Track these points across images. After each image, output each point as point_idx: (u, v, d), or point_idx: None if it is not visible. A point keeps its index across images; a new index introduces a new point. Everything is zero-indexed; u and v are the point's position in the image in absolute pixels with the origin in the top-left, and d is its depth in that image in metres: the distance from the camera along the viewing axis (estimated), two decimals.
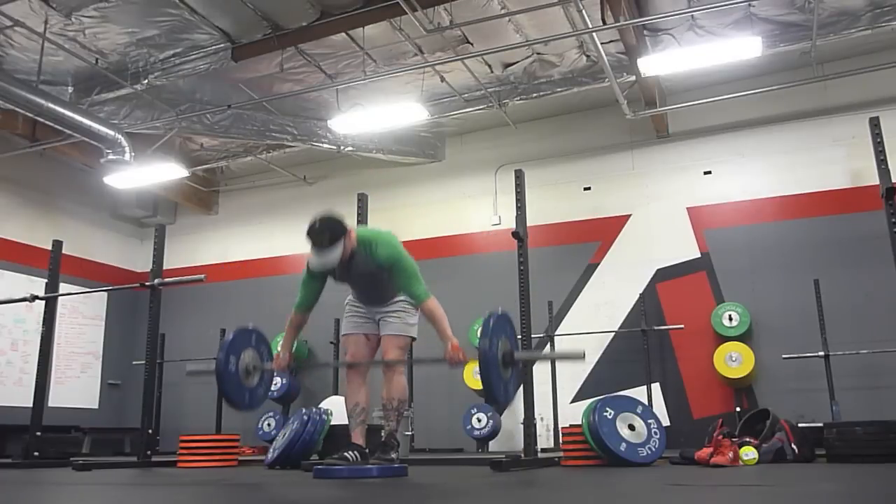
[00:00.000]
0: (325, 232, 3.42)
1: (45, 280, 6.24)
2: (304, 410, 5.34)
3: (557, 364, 8.08)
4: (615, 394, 5.22)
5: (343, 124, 8.06)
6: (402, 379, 3.76)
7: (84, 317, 10.19)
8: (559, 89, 7.85)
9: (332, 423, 5.24)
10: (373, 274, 3.63)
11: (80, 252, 9.82)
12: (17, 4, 6.29)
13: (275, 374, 3.80)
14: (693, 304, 7.93)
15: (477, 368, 8.38)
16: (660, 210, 8.39)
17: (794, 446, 4.76)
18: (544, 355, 3.89)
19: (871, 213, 6.46)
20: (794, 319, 7.34)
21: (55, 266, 6.23)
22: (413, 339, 3.83)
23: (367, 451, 3.64)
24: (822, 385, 6.73)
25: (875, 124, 5.10)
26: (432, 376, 8.56)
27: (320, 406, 5.69)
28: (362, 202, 5.54)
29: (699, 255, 8.11)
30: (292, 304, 3.82)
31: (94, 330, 10.33)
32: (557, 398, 7.93)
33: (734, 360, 7.39)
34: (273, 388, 9.01)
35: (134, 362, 9.38)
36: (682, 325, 7.81)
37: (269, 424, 8.87)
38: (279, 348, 3.75)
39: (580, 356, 3.45)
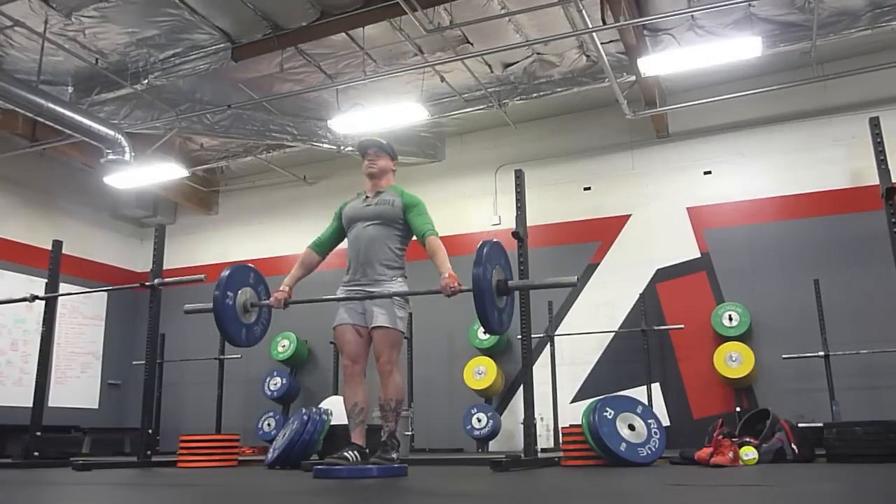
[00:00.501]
0: (384, 139, 4.03)
1: (45, 280, 6.24)
2: (304, 410, 5.35)
3: (557, 365, 8.09)
4: (615, 394, 5.22)
5: (343, 124, 8.05)
6: (398, 378, 3.75)
7: (84, 317, 10.19)
8: (559, 89, 7.85)
9: (332, 423, 5.24)
10: (390, 215, 3.79)
11: (80, 252, 9.82)
12: (17, 4, 6.29)
13: (271, 309, 3.90)
14: (693, 304, 7.93)
15: (477, 372, 8.30)
16: (660, 210, 8.39)
17: (794, 446, 4.76)
18: (537, 284, 3.98)
19: (871, 213, 6.47)
20: (794, 319, 7.34)
21: (55, 266, 6.23)
22: (403, 333, 3.82)
23: (367, 451, 3.64)
24: (822, 385, 6.73)
25: (875, 124, 5.10)
26: (432, 376, 8.57)
27: (320, 406, 5.69)
28: None
29: (699, 255, 8.11)
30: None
31: (94, 330, 10.33)
32: (557, 398, 7.93)
33: (734, 360, 7.38)
34: (273, 388, 9.05)
35: (134, 362, 9.38)
36: (682, 325, 7.80)
37: (269, 424, 8.87)
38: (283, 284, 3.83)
39: (573, 283, 3.54)
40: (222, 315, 3.61)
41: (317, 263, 3.98)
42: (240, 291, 3.70)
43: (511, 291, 3.53)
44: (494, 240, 3.51)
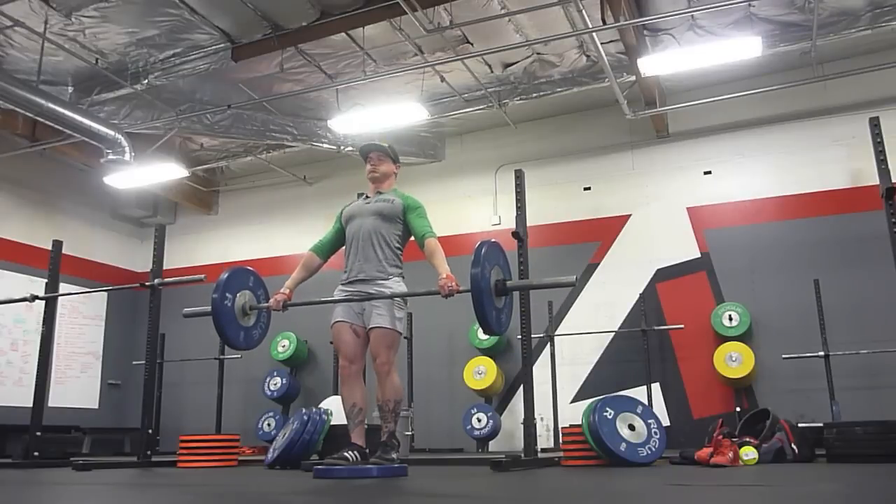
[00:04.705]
0: (387, 143, 4.05)
1: (45, 280, 6.23)
2: (304, 410, 5.35)
3: (557, 365, 8.08)
4: (615, 394, 5.22)
5: (343, 124, 8.05)
6: (395, 378, 3.72)
7: (84, 317, 10.19)
8: (559, 89, 7.86)
9: (332, 423, 5.24)
10: (389, 212, 3.81)
11: (80, 252, 9.82)
12: (17, 4, 6.29)
13: (271, 313, 3.90)
14: (693, 304, 7.93)
15: (477, 372, 8.29)
16: (660, 210, 8.39)
17: (794, 446, 4.76)
18: (536, 284, 3.92)
19: (871, 213, 6.47)
20: (794, 319, 7.34)
21: (55, 266, 6.23)
22: (400, 334, 3.79)
23: (367, 451, 3.64)
24: (822, 385, 6.73)
25: (875, 124, 5.09)
26: (432, 376, 8.57)
27: (320, 406, 5.69)
28: None
29: (699, 255, 8.11)
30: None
31: (94, 330, 10.33)
32: (557, 398, 7.93)
33: (734, 360, 7.38)
34: (273, 388, 9.05)
35: (134, 362, 9.37)
36: (682, 325, 7.80)
37: (269, 424, 8.87)
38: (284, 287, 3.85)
39: (572, 283, 3.50)
40: (221, 318, 3.59)
41: (318, 266, 3.96)
42: (238, 294, 3.70)
43: (510, 292, 3.50)
44: (493, 240, 3.48)
